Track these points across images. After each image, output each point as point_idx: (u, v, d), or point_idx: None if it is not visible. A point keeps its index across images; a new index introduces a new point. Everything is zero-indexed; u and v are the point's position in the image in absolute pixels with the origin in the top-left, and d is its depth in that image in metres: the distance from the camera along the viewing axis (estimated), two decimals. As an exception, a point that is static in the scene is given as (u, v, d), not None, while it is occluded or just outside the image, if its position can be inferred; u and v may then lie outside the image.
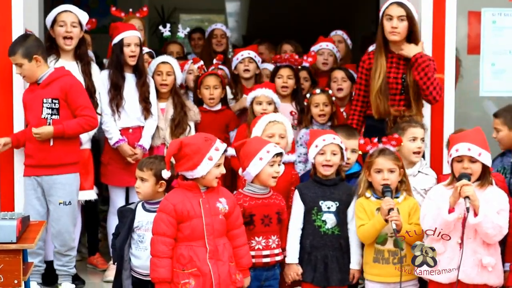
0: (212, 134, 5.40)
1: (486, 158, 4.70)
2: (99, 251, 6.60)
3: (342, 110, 6.54)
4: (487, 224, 4.58)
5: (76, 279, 5.88)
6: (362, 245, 4.99)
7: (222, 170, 4.56)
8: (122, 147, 6.10)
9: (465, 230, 4.61)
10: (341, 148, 5.05)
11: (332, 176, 5.03)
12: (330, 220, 4.95)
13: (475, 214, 4.58)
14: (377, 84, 5.67)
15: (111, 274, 5.67)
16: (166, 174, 4.59)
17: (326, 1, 12.77)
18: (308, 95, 6.25)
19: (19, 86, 5.77)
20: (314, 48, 7.09)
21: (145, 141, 6.15)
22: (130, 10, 6.92)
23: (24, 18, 5.84)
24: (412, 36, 5.67)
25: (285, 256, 4.99)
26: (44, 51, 5.64)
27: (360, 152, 5.29)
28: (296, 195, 5.02)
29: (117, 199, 6.23)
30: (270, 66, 6.87)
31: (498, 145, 5.45)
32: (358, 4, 12.35)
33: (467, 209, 4.55)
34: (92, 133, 5.93)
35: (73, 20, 5.91)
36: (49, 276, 5.84)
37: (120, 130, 6.13)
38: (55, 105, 5.55)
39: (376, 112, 5.68)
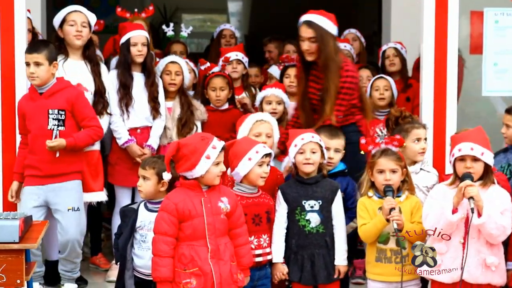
0: (219, 133, 5.44)
1: (489, 157, 4.71)
2: (101, 251, 6.61)
3: None
4: (491, 225, 4.58)
5: (78, 279, 5.88)
6: (348, 240, 5.01)
7: (222, 168, 4.56)
8: (131, 147, 6.10)
9: (468, 230, 4.61)
10: (320, 146, 5.05)
11: (313, 174, 5.04)
12: (314, 219, 4.96)
13: (479, 215, 4.58)
14: (300, 99, 5.82)
15: (113, 274, 5.68)
16: (166, 176, 4.57)
17: (327, 0, 12.76)
18: None
19: (21, 87, 5.77)
20: None
21: (153, 141, 6.16)
22: (136, 10, 6.93)
23: (27, 19, 5.84)
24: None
25: None
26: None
27: (343, 151, 5.33)
28: (279, 195, 5.03)
29: (123, 199, 6.23)
30: (275, 69, 6.90)
31: (499, 141, 5.44)
32: (359, 3, 12.35)
33: (472, 209, 4.55)
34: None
35: (83, 20, 5.93)
36: (52, 276, 5.84)
37: (128, 130, 6.14)
38: (61, 116, 5.54)
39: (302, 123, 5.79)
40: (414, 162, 5.27)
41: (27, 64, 5.52)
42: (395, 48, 7.00)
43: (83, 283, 5.96)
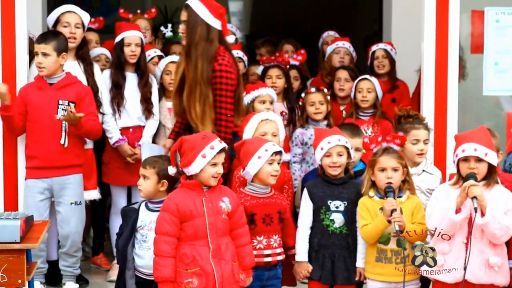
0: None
1: (492, 157, 4.69)
2: (103, 251, 6.61)
3: (342, 109, 6.59)
4: (494, 225, 4.57)
5: (80, 279, 5.89)
6: None
7: (219, 169, 4.55)
8: (122, 147, 6.11)
9: (472, 230, 4.60)
10: (347, 148, 5.05)
11: (340, 175, 5.04)
12: (338, 219, 4.95)
13: (482, 215, 4.57)
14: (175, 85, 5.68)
15: (115, 274, 5.67)
16: (171, 170, 4.62)
17: (328, 0, 12.77)
18: (303, 95, 6.28)
19: (22, 83, 5.77)
20: (331, 47, 7.14)
21: (146, 141, 6.16)
22: (138, 11, 6.93)
23: (27, 18, 5.84)
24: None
25: (291, 255, 4.99)
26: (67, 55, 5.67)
27: (364, 151, 5.31)
28: (305, 194, 5.02)
29: (119, 198, 6.25)
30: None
31: (502, 140, 5.46)
32: (360, 3, 12.35)
33: (475, 209, 4.55)
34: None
35: (76, 21, 5.94)
36: (53, 276, 5.84)
37: (120, 130, 6.15)
38: (71, 108, 5.56)
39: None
40: (416, 164, 5.26)
41: (36, 54, 5.56)
42: (385, 50, 6.97)
43: (84, 283, 5.97)
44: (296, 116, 6.42)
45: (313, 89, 6.27)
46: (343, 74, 6.68)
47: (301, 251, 4.97)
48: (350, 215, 4.96)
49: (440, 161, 5.76)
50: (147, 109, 6.17)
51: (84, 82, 5.94)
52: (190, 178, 4.58)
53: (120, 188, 6.27)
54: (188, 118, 5.57)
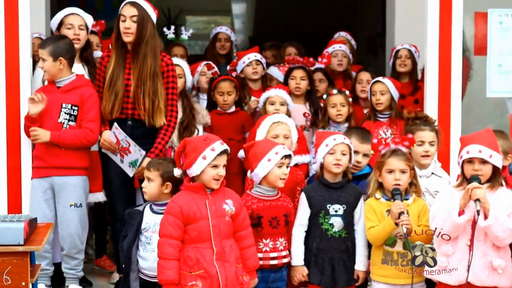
0: (230, 135, 5.41)
1: (497, 159, 4.68)
2: (106, 253, 6.61)
3: (365, 111, 6.52)
4: (497, 227, 4.57)
5: (83, 281, 5.88)
6: (368, 246, 4.98)
7: (220, 172, 4.55)
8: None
9: (475, 233, 4.59)
10: (350, 150, 5.04)
11: (338, 179, 5.03)
12: (337, 223, 4.95)
13: (485, 217, 4.57)
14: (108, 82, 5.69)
15: (118, 276, 5.68)
16: (177, 172, 4.63)
17: (331, 1, 12.78)
18: (324, 96, 6.25)
19: (26, 87, 5.78)
20: (328, 50, 7.13)
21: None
22: None
23: (31, 21, 5.85)
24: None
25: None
26: (72, 58, 5.68)
27: (372, 152, 5.31)
28: (303, 198, 5.01)
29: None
30: (274, 70, 6.90)
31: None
32: (363, 4, 12.35)
33: (478, 211, 4.54)
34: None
35: (80, 23, 5.94)
36: (58, 278, 5.84)
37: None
38: (73, 112, 5.57)
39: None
40: (423, 166, 5.24)
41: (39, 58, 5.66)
42: (409, 50, 7.00)
43: (87, 285, 5.97)
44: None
45: (335, 91, 6.20)
46: (365, 76, 6.65)
47: (297, 255, 4.96)
48: (349, 218, 4.96)
49: (443, 163, 5.75)
50: None
51: None
52: (193, 180, 4.59)
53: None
54: (139, 112, 5.61)
